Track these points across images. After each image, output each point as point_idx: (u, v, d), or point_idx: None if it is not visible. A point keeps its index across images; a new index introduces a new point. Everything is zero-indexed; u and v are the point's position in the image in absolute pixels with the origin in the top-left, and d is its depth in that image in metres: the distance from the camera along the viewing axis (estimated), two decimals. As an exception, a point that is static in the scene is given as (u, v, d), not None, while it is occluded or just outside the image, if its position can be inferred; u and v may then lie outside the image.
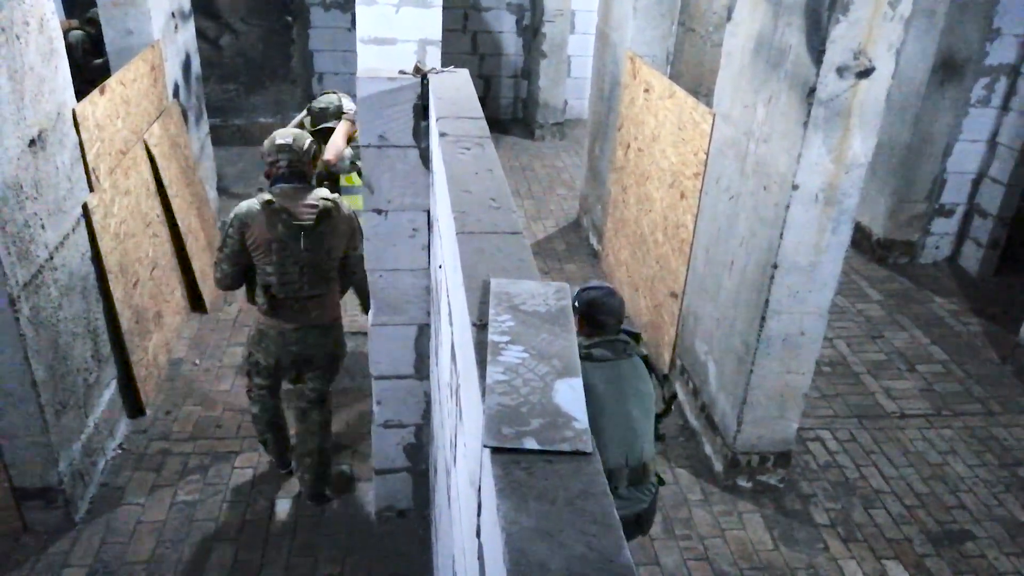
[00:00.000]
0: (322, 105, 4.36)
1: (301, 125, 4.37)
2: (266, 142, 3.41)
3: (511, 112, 9.75)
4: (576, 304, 2.82)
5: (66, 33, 6.21)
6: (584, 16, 9.11)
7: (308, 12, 8.69)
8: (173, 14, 5.45)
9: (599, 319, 2.81)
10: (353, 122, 4.11)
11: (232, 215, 3.32)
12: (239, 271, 3.42)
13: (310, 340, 3.48)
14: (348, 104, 4.30)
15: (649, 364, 2.86)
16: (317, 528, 3.65)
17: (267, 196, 3.30)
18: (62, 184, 3.52)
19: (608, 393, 2.70)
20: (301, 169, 3.37)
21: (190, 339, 4.98)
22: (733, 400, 3.93)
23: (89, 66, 6.03)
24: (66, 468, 3.49)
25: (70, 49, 6.05)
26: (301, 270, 3.36)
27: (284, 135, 3.40)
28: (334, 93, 4.41)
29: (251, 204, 3.32)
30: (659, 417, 2.90)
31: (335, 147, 4.11)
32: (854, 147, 3.29)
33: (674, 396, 3.05)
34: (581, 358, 2.83)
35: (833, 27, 3.04)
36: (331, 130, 4.24)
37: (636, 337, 2.90)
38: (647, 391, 2.81)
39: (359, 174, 4.15)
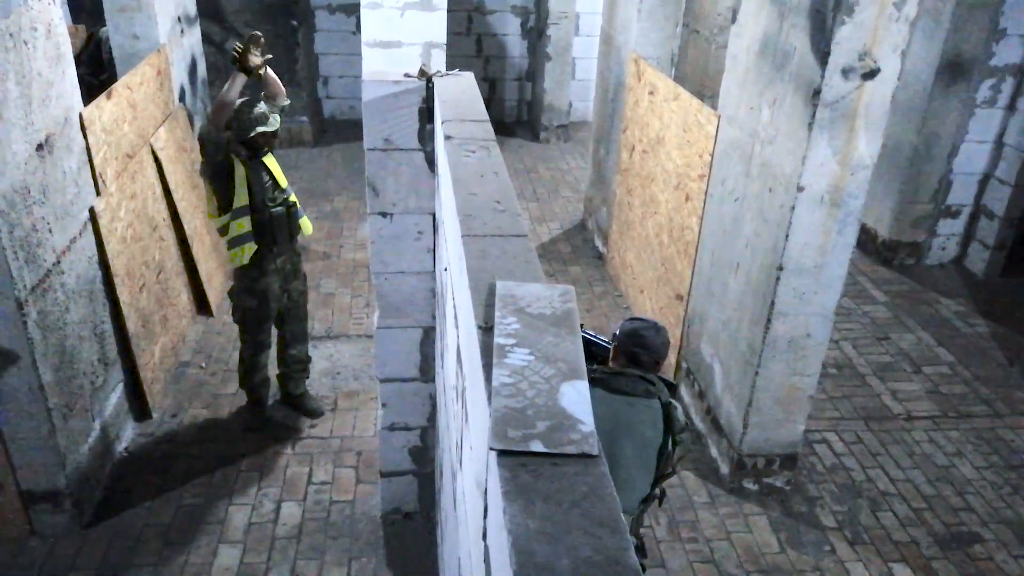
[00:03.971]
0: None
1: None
2: None
3: (516, 114, 9.76)
4: (616, 332, 2.67)
5: (97, 31, 6.14)
6: (588, 18, 9.12)
7: (313, 16, 8.72)
8: (179, 19, 5.48)
9: (632, 351, 2.61)
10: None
11: None
12: None
13: None
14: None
15: (669, 415, 2.58)
16: (323, 531, 3.65)
17: None
18: (69, 188, 3.53)
19: (602, 426, 2.37)
20: None
21: (196, 342, 4.99)
22: (739, 402, 3.93)
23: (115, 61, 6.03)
24: (73, 471, 3.50)
25: (99, 45, 5.98)
26: None
27: None
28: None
29: None
30: (663, 476, 2.64)
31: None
32: (860, 148, 3.28)
33: (681, 457, 2.74)
34: (596, 381, 2.54)
35: (838, 29, 3.04)
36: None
37: (671, 387, 2.67)
38: (651, 439, 2.55)
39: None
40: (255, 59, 3.62)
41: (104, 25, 6.27)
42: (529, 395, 1.21)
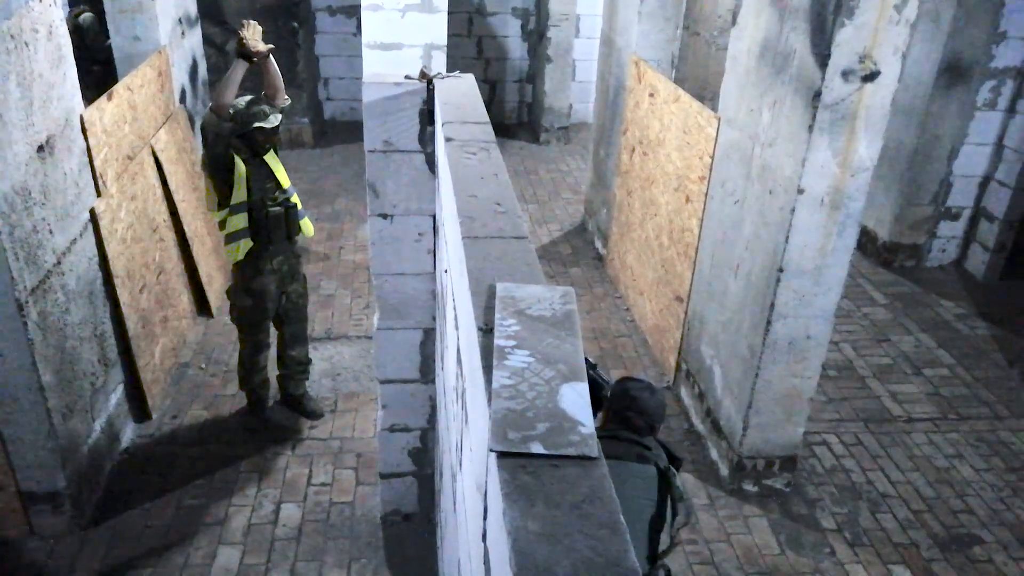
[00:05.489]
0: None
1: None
2: None
3: (516, 116, 9.76)
4: (608, 394, 2.42)
5: (76, 16, 6.34)
6: (589, 20, 9.12)
7: (314, 18, 8.72)
8: (180, 20, 5.48)
9: (626, 415, 2.35)
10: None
11: None
12: None
13: None
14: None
15: (668, 483, 2.30)
16: (323, 532, 3.65)
17: None
18: (70, 189, 3.53)
19: None
20: None
21: (196, 343, 4.99)
22: (739, 404, 3.93)
23: (99, 47, 6.18)
24: (73, 472, 3.50)
25: (80, 31, 6.19)
26: None
27: None
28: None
29: None
30: (663, 552, 2.35)
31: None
32: (860, 151, 3.29)
33: (680, 529, 2.39)
34: None
35: (838, 31, 3.04)
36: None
37: (675, 461, 2.37)
38: (643, 508, 2.27)
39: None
40: (256, 45, 3.64)
41: (82, 11, 6.39)
42: (529, 397, 1.21)
